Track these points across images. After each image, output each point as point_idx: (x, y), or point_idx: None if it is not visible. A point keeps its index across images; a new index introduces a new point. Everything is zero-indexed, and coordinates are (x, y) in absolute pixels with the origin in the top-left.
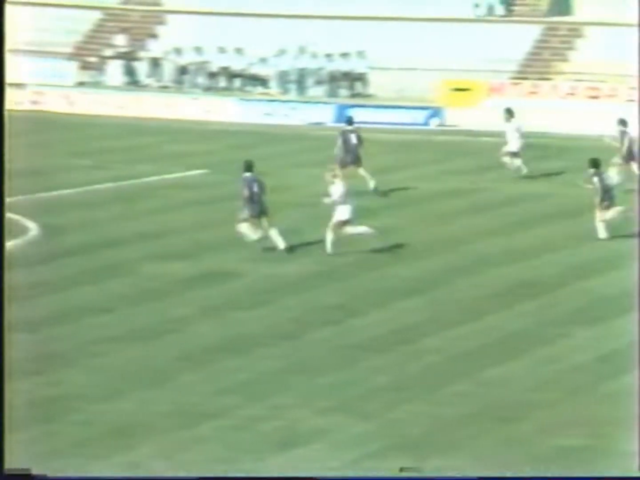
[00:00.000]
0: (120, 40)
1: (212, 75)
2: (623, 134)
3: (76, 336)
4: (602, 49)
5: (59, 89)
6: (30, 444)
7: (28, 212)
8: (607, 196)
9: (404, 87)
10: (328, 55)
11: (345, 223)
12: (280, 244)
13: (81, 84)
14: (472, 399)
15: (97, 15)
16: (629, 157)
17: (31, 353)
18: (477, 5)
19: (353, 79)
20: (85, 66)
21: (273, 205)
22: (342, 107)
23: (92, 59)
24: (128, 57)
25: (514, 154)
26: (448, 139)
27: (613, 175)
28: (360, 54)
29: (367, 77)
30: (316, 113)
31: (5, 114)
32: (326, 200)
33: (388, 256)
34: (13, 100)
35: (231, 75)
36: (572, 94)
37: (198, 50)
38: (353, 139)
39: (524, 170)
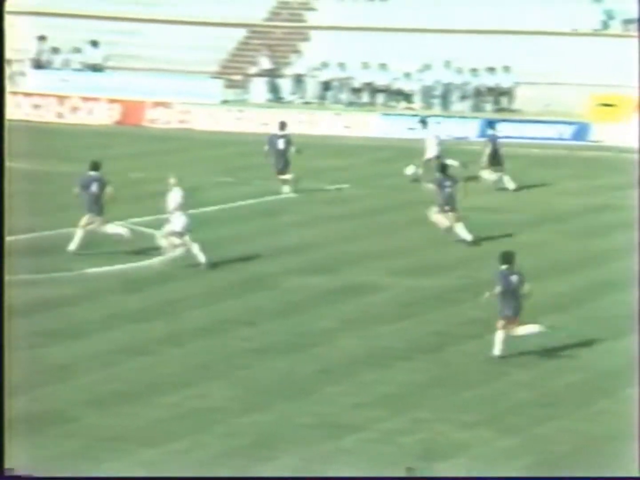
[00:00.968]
0: (265, 57)
1: (355, 90)
2: (492, 137)
3: (221, 349)
4: None
5: (204, 107)
6: (181, 454)
7: None
8: (450, 202)
9: (551, 101)
10: (473, 70)
11: (177, 234)
12: None
13: (226, 102)
14: (615, 416)
15: (242, 33)
16: (496, 160)
17: (179, 366)
18: (628, 21)
19: (499, 93)
20: (230, 84)
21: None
22: (487, 122)
23: (237, 77)
24: (272, 75)
25: None
26: (595, 155)
27: (486, 176)
28: (507, 68)
29: (513, 92)
30: (460, 128)
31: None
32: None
33: (532, 272)
34: (161, 119)
35: (374, 90)
36: None
37: (341, 66)
38: (280, 144)
39: None
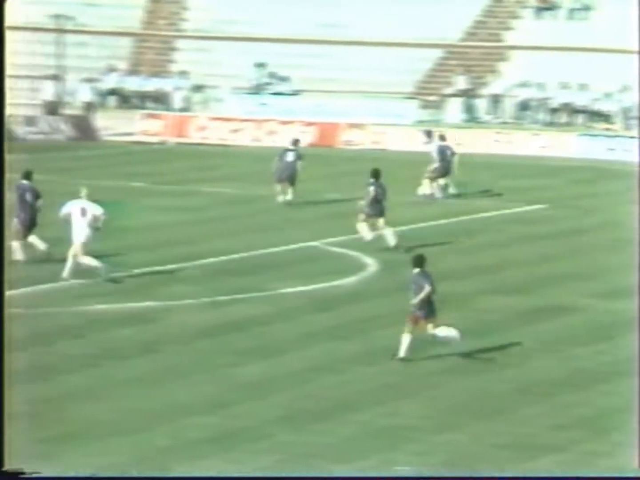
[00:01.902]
0: (461, 78)
1: (554, 110)
2: (443, 148)
3: (412, 368)
4: None
5: (399, 128)
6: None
7: (367, 249)
8: (377, 207)
9: None
10: None
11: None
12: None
13: (420, 122)
14: None
15: (437, 53)
16: (445, 171)
17: (371, 384)
18: None
19: None
20: (425, 105)
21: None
22: None
23: (432, 98)
24: (468, 95)
25: None
26: None
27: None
28: None
29: None
30: None
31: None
32: None
33: None
34: (355, 140)
35: (573, 110)
36: None
37: (540, 86)
38: (290, 156)
39: None
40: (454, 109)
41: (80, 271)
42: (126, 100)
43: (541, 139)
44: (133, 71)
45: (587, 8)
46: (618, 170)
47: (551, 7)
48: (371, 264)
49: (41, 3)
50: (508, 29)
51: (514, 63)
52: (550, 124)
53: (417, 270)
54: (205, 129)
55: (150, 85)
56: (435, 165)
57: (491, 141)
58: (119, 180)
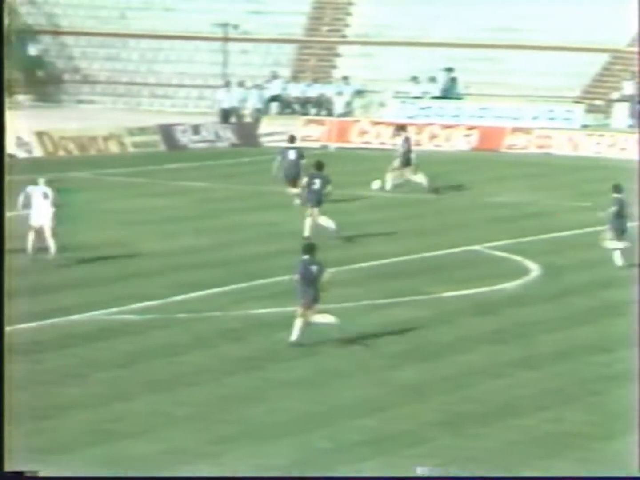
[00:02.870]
0: (628, 83)
1: None
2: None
3: (575, 374)
4: None
5: (565, 132)
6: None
7: (530, 254)
8: (316, 198)
9: None
10: None
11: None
12: None
13: (586, 126)
14: None
15: (605, 58)
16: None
17: (534, 389)
18: None
19: None
20: (592, 109)
21: None
22: None
23: (599, 102)
24: (635, 100)
25: None
26: None
27: (388, 180)
28: None
29: None
30: None
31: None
32: None
33: None
34: (519, 144)
35: None
36: None
37: None
38: (292, 154)
39: None
40: (620, 114)
41: (240, 275)
42: (288, 106)
43: None
44: (295, 77)
45: None
46: None
47: None
48: (534, 269)
49: (206, 11)
50: None
51: None
52: None
53: (304, 257)
54: (367, 134)
55: (313, 91)
56: None
57: None
58: (281, 186)
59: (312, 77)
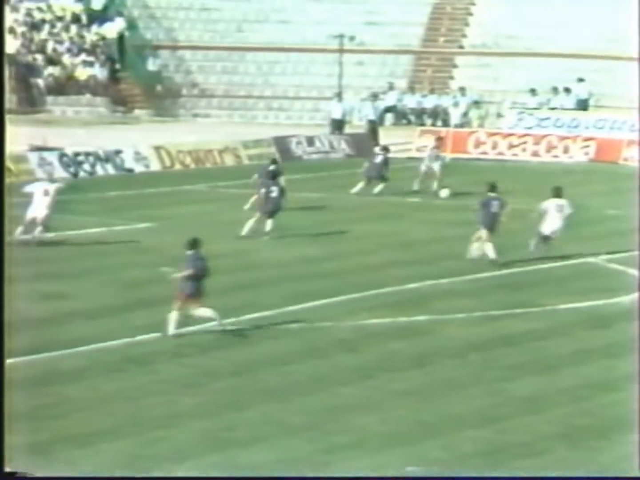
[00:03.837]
0: None
1: None
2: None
3: None
4: None
5: None
6: None
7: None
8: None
9: None
10: None
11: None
12: None
13: None
14: None
15: None
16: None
17: None
18: None
19: None
20: None
21: None
22: None
23: None
24: None
25: None
26: None
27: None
28: None
29: None
30: None
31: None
32: None
33: None
34: (636, 157)
35: None
36: None
37: None
38: (378, 158)
39: None
40: None
41: (353, 285)
42: (403, 117)
43: None
44: (412, 88)
45: None
46: None
47: None
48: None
49: (322, 23)
50: None
51: None
52: None
53: (189, 252)
54: (484, 145)
55: (429, 102)
56: None
57: None
58: (396, 196)
59: (428, 88)
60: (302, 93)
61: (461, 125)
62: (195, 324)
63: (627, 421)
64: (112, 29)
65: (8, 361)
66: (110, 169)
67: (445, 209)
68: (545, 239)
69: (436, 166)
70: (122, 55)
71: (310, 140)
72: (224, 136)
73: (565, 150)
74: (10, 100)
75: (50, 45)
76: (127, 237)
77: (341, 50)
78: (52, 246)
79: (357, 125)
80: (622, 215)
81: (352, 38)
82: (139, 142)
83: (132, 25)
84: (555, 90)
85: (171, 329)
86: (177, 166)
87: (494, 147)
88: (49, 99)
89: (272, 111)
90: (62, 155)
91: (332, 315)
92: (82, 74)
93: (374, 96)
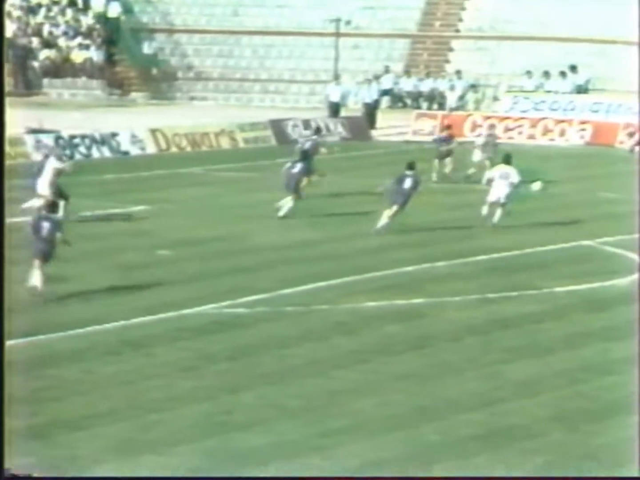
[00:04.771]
0: None
1: None
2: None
3: None
4: None
5: None
6: None
7: None
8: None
9: None
10: None
11: None
12: None
13: None
14: None
15: None
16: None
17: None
18: None
19: None
20: None
21: None
22: None
23: None
24: None
25: None
26: None
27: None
28: None
29: None
30: None
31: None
32: None
33: None
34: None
35: None
36: None
37: None
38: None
39: None
40: None
41: (350, 268)
42: (400, 100)
43: None
44: (408, 72)
45: None
46: None
47: None
48: None
49: (319, 7)
50: None
51: None
52: None
53: (40, 214)
54: (479, 128)
55: (425, 85)
56: None
57: None
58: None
59: (424, 72)
60: (298, 76)
61: (457, 109)
62: (192, 307)
63: (623, 404)
64: (108, 12)
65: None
66: (106, 152)
67: (441, 192)
68: (493, 205)
69: (490, 154)
70: (118, 39)
71: (307, 124)
72: (220, 119)
73: (562, 133)
74: (7, 83)
75: (46, 29)
76: (123, 219)
77: (337, 34)
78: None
79: (353, 108)
80: (618, 199)
81: (348, 22)
82: (135, 125)
83: (128, 8)
84: (546, 74)
85: (34, 282)
86: (173, 149)
87: (490, 130)
88: (45, 81)
89: (268, 94)
90: (58, 137)
91: (329, 298)
92: (78, 56)
93: (371, 79)
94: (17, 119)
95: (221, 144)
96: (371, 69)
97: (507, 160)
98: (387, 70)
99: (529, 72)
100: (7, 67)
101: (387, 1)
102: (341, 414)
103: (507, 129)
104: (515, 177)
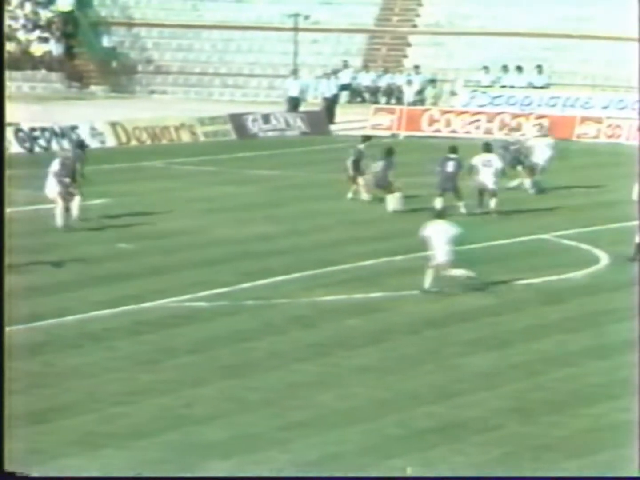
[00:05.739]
0: None
1: None
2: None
3: None
4: None
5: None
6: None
7: (599, 243)
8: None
9: None
10: None
11: None
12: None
13: None
14: None
15: None
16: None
17: (604, 379)
18: None
19: None
20: None
21: None
22: None
23: None
24: None
25: None
26: None
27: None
28: None
29: None
30: None
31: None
32: None
33: None
34: (589, 134)
35: None
36: None
37: None
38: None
39: None
40: None
41: (310, 262)
42: (358, 95)
43: None
44: (366, 67)
45: None
46: None
47: None
48: (603, 258)
49: (277, 2)
50: None
51: None
52: None
53: None
54: (437, 122)
55: (383, 80)
56: None
57: None
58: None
59: (382, 67)
60: (257, 71)
61: (415, 104)
62: (153, 300)
63: (581, 395)
64: (66, 5)
65: None
66: (65, 145)
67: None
68: (482, 193)
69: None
70: (77, 32)
71: (266, 118)
72: (180, 113)
73: (518, 127)
74: None
75: (5, 22)
76: (83, 212)
77: (296, 29)
78: (7, 222)
79: (312, 102)
80: (574, 192)
81: (307, 17)
82: (95, 118)
83: (86, 2)
84: (505, 68)
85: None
86: (133, 142)
87: (448, 124)
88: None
89: (228, 88)
90: (18, 130)
91: (289, 292)
92: (37, 49)
93: (329, 74)
94: None
95: (181, 138)
96: (330, 63)
97: (487, 148)
98: (345, 65)
99: (485, 67)
100: None
101: None
102: (301, 407)
103: (465, 124)
104: (498, 164)
